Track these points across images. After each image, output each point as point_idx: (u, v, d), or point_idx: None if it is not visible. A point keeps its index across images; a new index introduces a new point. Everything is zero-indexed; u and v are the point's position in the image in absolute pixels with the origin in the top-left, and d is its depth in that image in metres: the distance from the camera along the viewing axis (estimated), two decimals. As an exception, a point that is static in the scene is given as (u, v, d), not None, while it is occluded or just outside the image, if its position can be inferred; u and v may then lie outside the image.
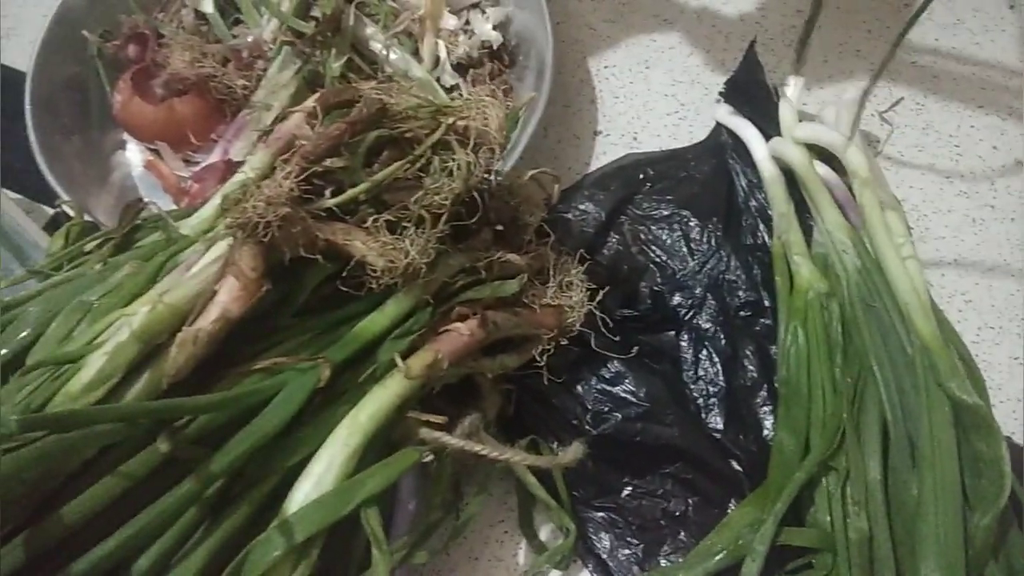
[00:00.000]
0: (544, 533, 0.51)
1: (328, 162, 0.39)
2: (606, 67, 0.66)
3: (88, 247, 0.45)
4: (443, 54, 0.61)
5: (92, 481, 0.32)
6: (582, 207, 0.58)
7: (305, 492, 0.36)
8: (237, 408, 0.35)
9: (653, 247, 0.57)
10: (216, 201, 0.41)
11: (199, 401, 0.34)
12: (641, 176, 0.60)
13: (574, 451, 0.43)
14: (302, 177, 0.37)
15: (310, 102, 0.44)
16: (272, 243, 0.36)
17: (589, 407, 0.50)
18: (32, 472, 0.29)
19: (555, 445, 0.50)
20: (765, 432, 0.51)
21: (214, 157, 0.57)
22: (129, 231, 0.45)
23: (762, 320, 0.55)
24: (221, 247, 0.37)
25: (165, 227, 0.41)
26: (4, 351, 0.38)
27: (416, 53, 0.61)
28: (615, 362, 0.51)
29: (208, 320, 0.34)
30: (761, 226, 0.57)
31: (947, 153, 0.61)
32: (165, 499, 0.33)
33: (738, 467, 0.51)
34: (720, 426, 0.52)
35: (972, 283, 0.56)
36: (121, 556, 0.32)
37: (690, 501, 0.50)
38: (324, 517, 0.35)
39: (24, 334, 0.39)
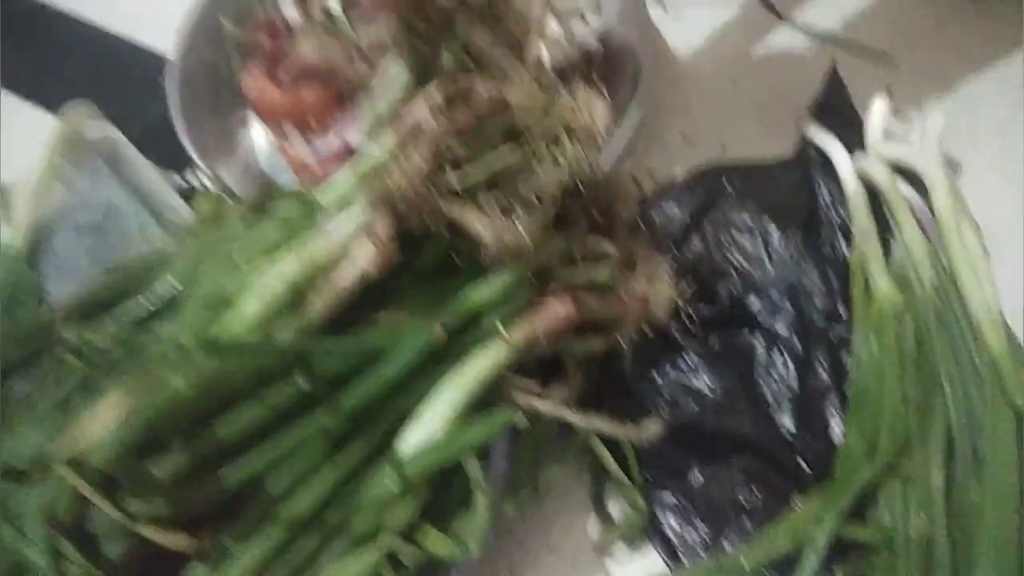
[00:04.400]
0: (615, 511, 0.54)
1: (452, 146, 0.44)
2: (697, 78, 0.69)
3: (229, 211, 0.50)
4: (545, 58, 0.65)
5: (240, 407, 0.37)
6: (668, 209, 0.61)
7: (416, 436, 0.40)
8: (363, 355, 0.40)
9: (734, 251, 0.60)
10: (348, 175, 0.46)
11: (334, 345, 0.39)
12: (726, 183, 0.63)
13: (653, 426, 0.46)
14: (433, 158, 0.41)
15: (433, 89, 0.48)
16: (405, 214, 0.40)
17: (666, 395, 0.54)
18: (202, 391, 0.34)
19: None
20: (833, 435, 0.54)
21: (332, 139, 0.62)
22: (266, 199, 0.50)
23: (837, 328, 0.57)
24: (358, 214, 0.41)
25: (303, 197, 0.45)
26: (161, 293, 0.44)
27: (520, 55, 0.65)
28: (692, 356, 0.55)
29: (346, 276, 0.39)
30: (841, 239, 0.60)
31: (1029, 182, 0.62)
32: (299, 428, 0.38)
33: (805, 465, 0.53)
34: (790, 425, 0.54)
35: (1047, 308, 0.57)
36: (262, 473, 0.37)
37: (757, 492, 0.53)
38: (433, 459, 0.39)
39: (175, 282, 0.45)
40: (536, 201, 0.45)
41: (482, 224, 0.43)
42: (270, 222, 0.44)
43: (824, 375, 0.55)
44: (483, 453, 0.44)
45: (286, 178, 0.64)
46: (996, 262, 0.59)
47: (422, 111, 0.47)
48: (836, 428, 0.54)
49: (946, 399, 0.50)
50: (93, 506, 0.32)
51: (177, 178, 0.67)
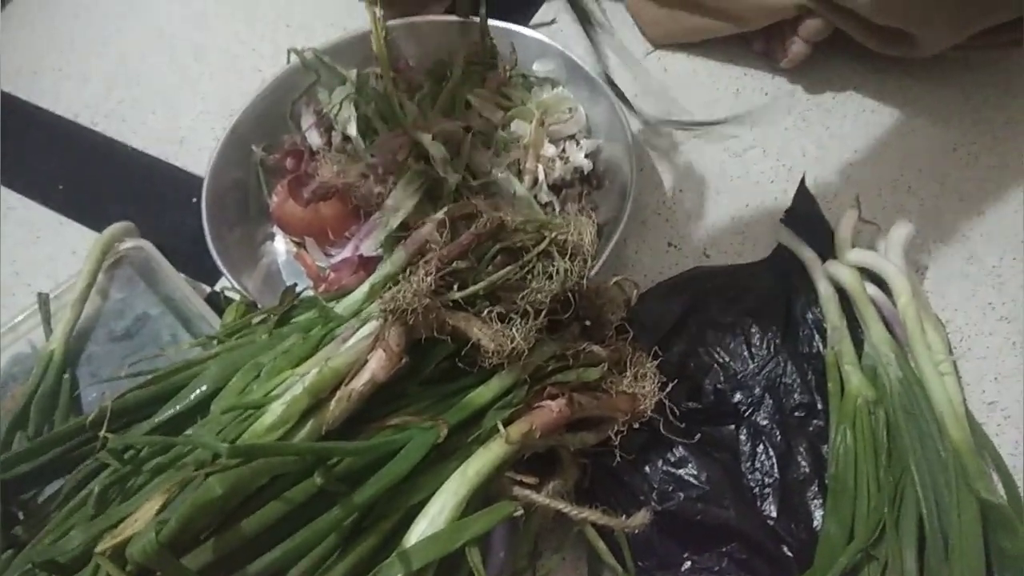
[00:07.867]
0: (610, 598, 0.57)
1: (456, 264, 0.49)
2: (680, 191, 0.76)
3: (254, 321, 0.56)
4: (541, 176, 0.71)
5: (263, 503, 0.42)
6: (655, 310, 0.67)
7: (422, 529, 0.44)
8: (374, 454, 0.44)
9: (717, 349, 0.65)
10: (364, 288, 0.51)
11: (349, 446, 0.43)
12: (709, 286, 0.68)
13: (641, 517, 0.50)
14: (439, 275, 0.47)
15: (440, 214, 0.54)
16: (414, 325, 0.45)
17: (655, 486, 0.57)
18: (235, 490, 0.38)
19: (623, 517, 0.57)
20: (814, 522, 0.57)
21: (347, 252, 0.68)
22: (287, 309, 0.55)
23: (815, 421, 0.61)
24: (372, 325, 0.46)
25: (322, 308, 0.51)
26: (191, 398, 0.49)
27: (519, 174, 0.72)
28: (680, 447, 0.58)
29: (360, 382, 0.44)
30: (816, 337, 0.65)
31: (990, 281, 0.67)
32: (315, 523, 0.42)
33: (789, 552, 0.56)
34: (774, 513, 0.58)
35: (1012, 400, 0.61)
36: (281, 566, 0.41)
37: (743, 579, 0.56)
38: (437, 550, 0.43)
39: (204, 387, 0.50)
40: (531, 310, 0.50)
41: (482, 332, 0.48)
42: (293, 334, 0.50)
43: (804, 465, 0.59)
44: (484, 545, 0.48)
45: (303, 282, 0.70)
46: (962, 358, 0.64)
47: (430, 232, 0.53)
48: (817, 516, 0.57)
49: (916, 487, 0.54)
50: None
51: (207, 288, 0.73)
